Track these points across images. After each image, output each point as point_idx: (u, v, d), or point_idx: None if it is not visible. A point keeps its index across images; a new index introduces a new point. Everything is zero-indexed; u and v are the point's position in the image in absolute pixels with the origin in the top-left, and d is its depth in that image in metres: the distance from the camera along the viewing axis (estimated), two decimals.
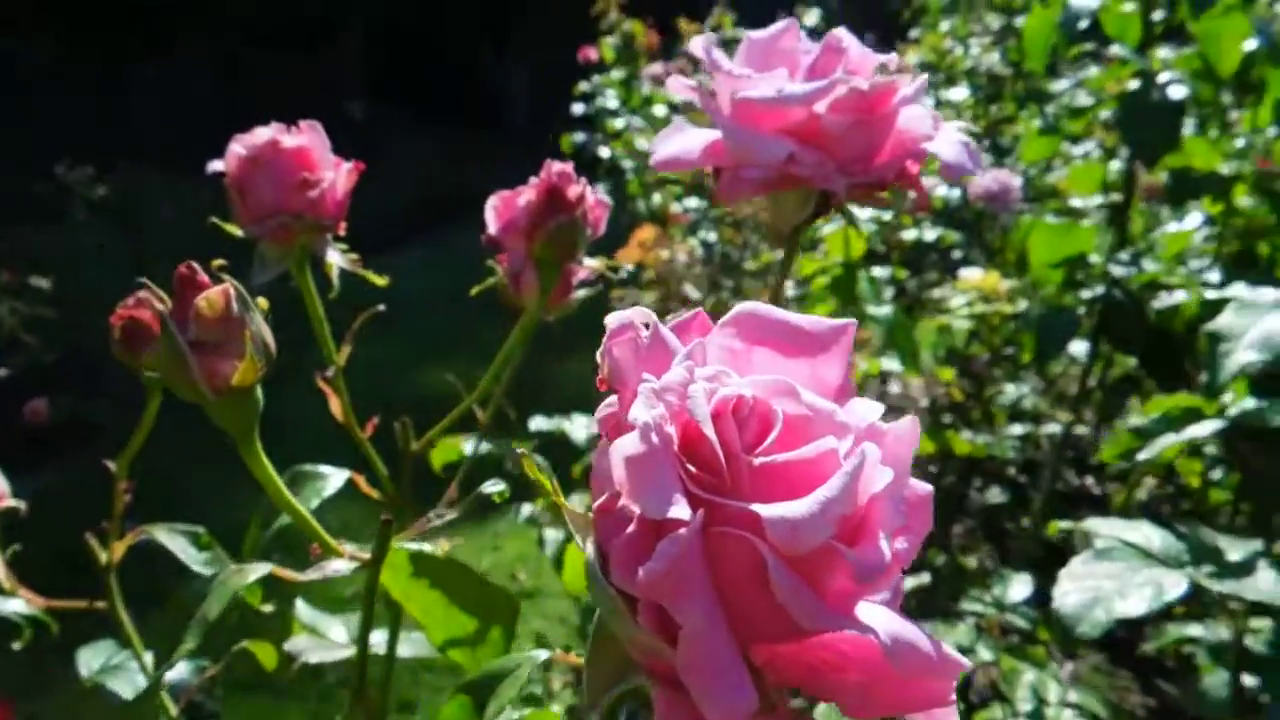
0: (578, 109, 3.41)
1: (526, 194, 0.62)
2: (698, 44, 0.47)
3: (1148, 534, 0.88)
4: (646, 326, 0.28)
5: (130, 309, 0.65)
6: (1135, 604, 0.79)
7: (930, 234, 2.69)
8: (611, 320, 0.27)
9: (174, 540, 0.72)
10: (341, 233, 0.57)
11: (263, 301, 0.40)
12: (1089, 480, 2.62)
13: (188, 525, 0.72)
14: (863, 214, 2.57)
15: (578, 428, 1.54)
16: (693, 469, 0.25)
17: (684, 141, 0.48)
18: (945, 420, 2.56)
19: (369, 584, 0.49)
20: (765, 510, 0.23)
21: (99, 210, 5.35)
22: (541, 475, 0.28)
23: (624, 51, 3.24)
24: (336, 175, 0.55)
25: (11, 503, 0.76)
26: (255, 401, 0.38)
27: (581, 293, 0.75)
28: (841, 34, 0.47)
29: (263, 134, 0.53)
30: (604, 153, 3.26)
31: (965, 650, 1.49)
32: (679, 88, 0.47)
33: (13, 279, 4.70)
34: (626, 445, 0.24)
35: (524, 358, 0.73)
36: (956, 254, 2.83)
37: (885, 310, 1.58)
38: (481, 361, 0.67)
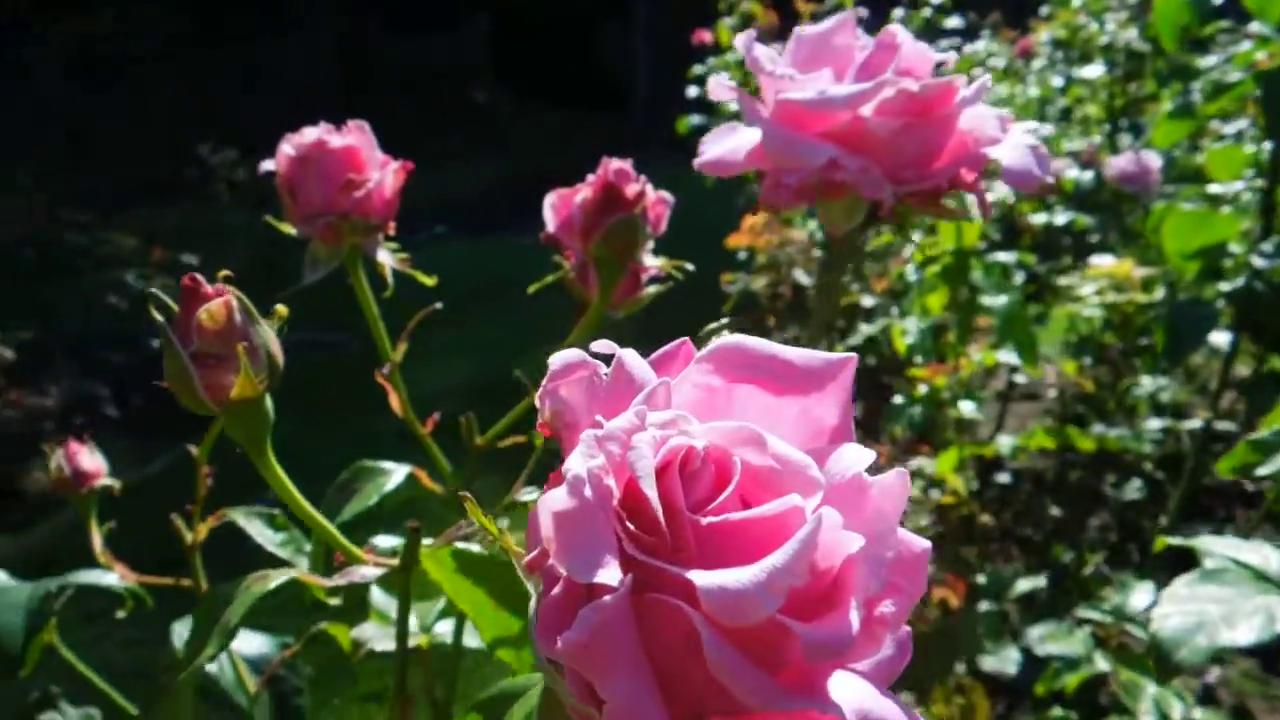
0: (693, 91, 3.37)
1: (583, 191, 0.61)
2: (739, 40, 0.44)
3: (1267, 555, 0.81)
4: (609, 362, 0.26)
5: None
6: (1244, 633, 0.72)
7: (1061, 218, 2.57)
8: (557, 359, 0.25)
9: (251, 523, 0.73)
10: (391, 231, 0.57)
11: (282, 309, 0.39)
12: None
13: (265, 508, 0.74)
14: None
15: None
16: (632, 527, 0.23)
17: (732, 143, 0.46)
18: (1075, 412, 2.44)
19: (401, 588, 0.48)
20: (701, 578, 0.21)
21: (241, 191, 5.60)
22: (486, 519, 0.27)
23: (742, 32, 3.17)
24: (383, 175, 0.54)
25: (107, 481, 0.80)
26: (263, 414, 0.37)
27: (652, 289, 0.73)
28: (895, 30, 0.43)
29: (311, 134, 0.54)
30: None
31: (1080, 660, 1.42)
32: (718, 89, 0.44)
33: (164, 255, 4.98)
34: (555, 499, 0.22)
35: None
36: (1095, 237, 2.69)
37: (1001, 300, 1.50)
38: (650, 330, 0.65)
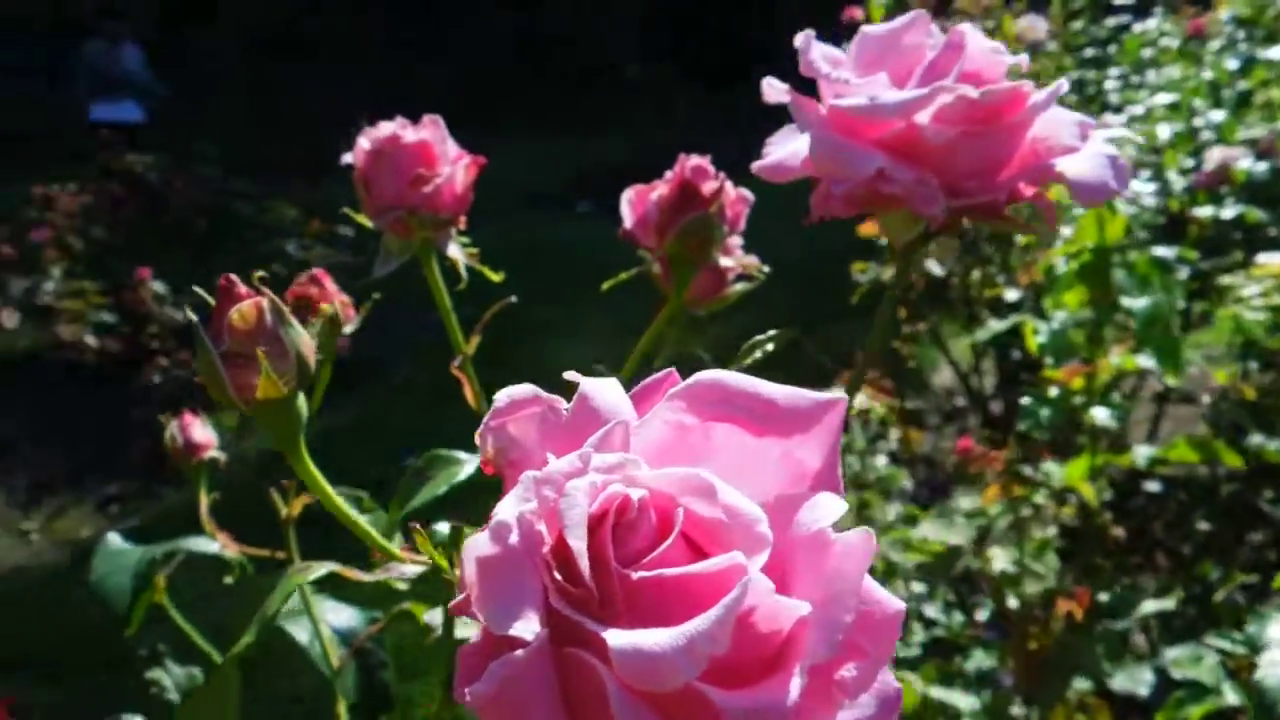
0: None
1: (660, 188, 0.60)
2: (798, 39, 0.42)
3: None
4: (569, 398, 0.25)
5: (302, 285, 0.69)
6: None
7: (1230, 211, 2.39)
8: (504, 395, 0.25)
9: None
10: (462, 225, 0.57)
11: (326, 308, 0.40)
12: None
13: (350, 489, 0.76)
14: (1145, 187, 2.32)
15: None
16: (559, 578, 0.22)
17: (791, 147, 0.44)
18: (1233, 420, 2.28)
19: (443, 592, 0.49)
20: (615, 639, 0.20)
21: None
22: (436, 552, 0.26)
23: (895, 10, 3.07)
24: (453, 171, 0.55)
25: (215, 453, 0.84)
26: (295, 413, 0.38)
27: (739, 287, 0.72)
28: (965, 30, 0.40)
29: (386, 129, 0.54)
30: None
31: (1208, 690, 1.33)
32: (771, 91, 0.43)
33: (322, 228, 5.21)
34: (478, 545, 0.22)
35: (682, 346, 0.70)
36: (1272, 232, 2.50)
37: (1141, 303, 1.41)
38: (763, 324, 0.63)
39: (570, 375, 0.25)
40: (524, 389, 0.25)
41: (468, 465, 0.66)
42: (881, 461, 2.28)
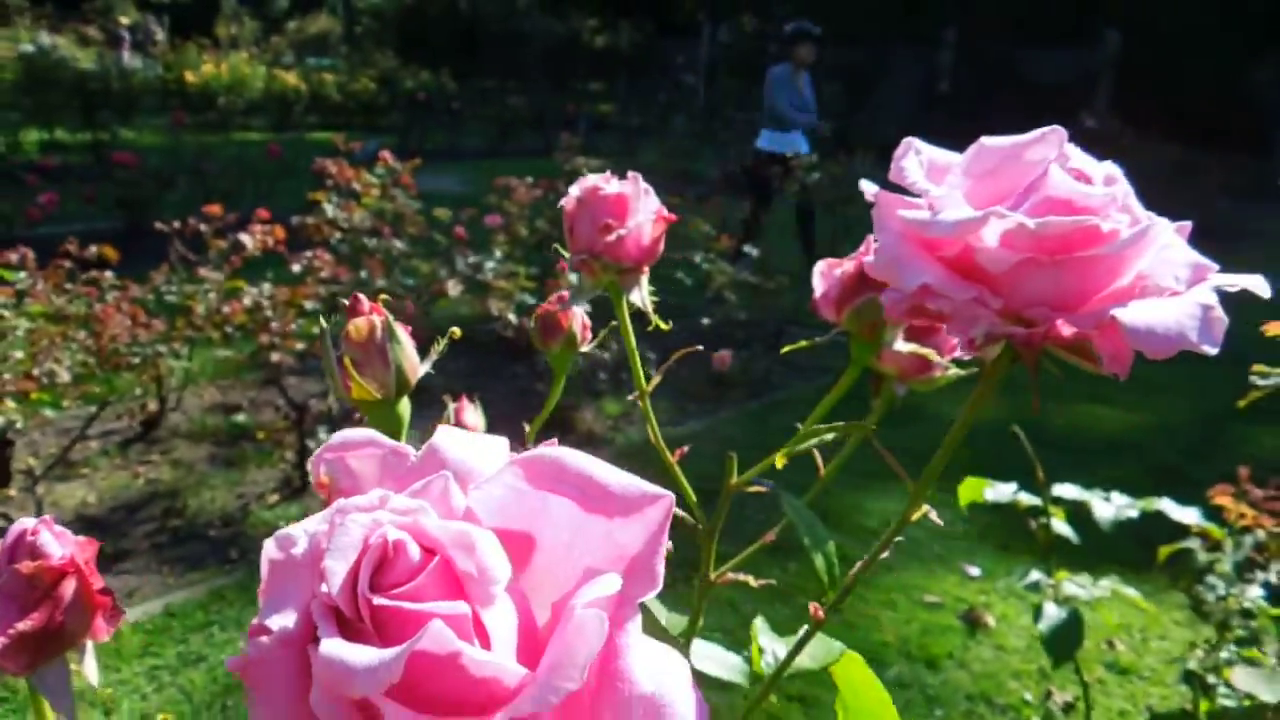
0: None
1: (845, 265, 0.60)
2: (900, 147, 0.42)
3: None
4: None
5: (550, 306, 0.78)
6: None
7: None
8: (338, 436, 0.29)
9: None
10: (641, 274, 0.62)
11: (456, 331, 0.47)
12: None
13: None
14: None
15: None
16: (322, 590, 0.26)
17: None
18: None
19: None
20: (326, 646, 0.24)
21: (813, 191, 5.95)
22: None
23: None
24: (640, 224, 0.60)
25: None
26: (395, 415, 0.46)
27: (952, 373, 0.70)
28: (1068, 151, 0.38)
29: (591, 180, 0.61)
30: None
31: None
32: (867, 190, 0.43)
33: (730, 244, 5.46)
34: (268, 548, 0.27)
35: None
36: None
37: None
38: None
39: (357, 432, 0.30)
40: (361, 433, 0.30)
41: None
42: (1255, 594, 2.00)
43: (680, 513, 0.70)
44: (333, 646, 0.25)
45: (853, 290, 0.60)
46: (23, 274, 3.35)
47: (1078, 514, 1.47)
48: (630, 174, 0.61)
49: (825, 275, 0.63)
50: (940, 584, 3.29)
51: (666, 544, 0.29)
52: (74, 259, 3.48)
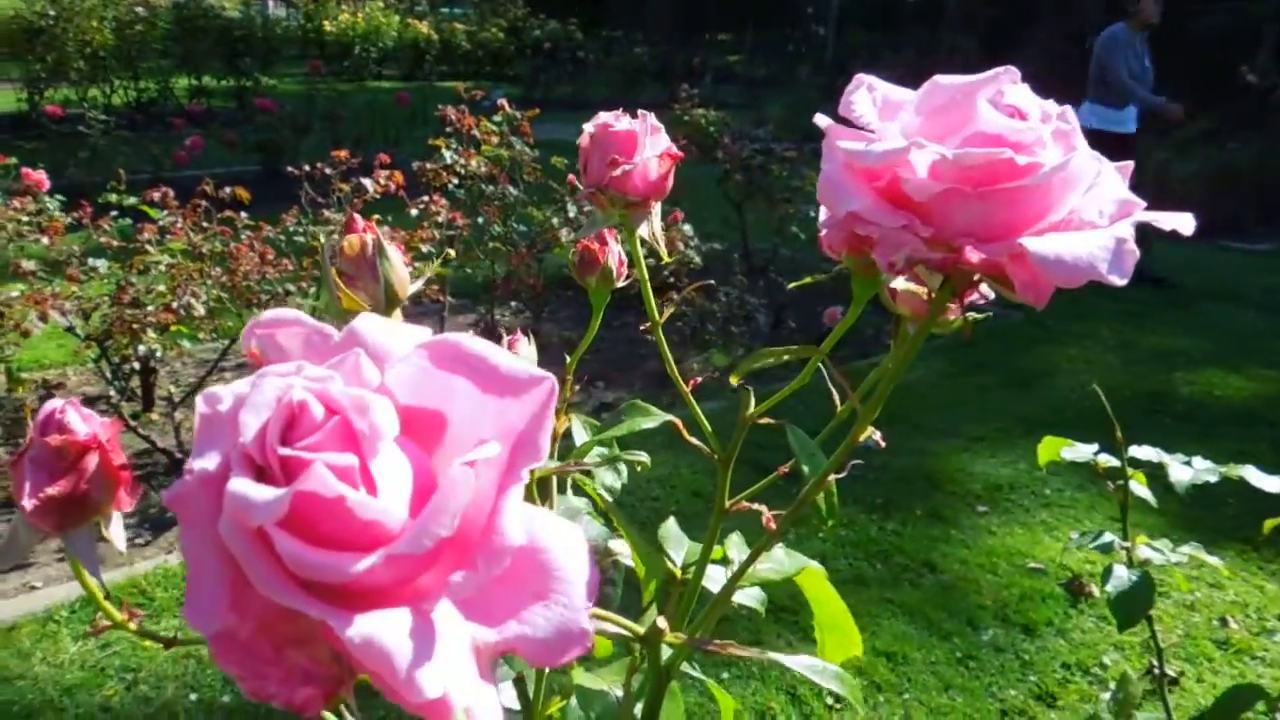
0: None
1: None
2: (853, 84, 0.44)
3: None
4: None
5: (588, 242, 0.82)
6: None
7: None
8: (269, 314, 0.33)
9: (577, 426, 0.88)
10: (650, 209, 0.65)
11: (450, 252, 0.51)
12: None
13: (589, 418, 0.88)
14: None
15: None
16: (240, 441, 0.31)
17: None
18: None
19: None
20: (233, 484, 0.29)
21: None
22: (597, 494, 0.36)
23: None
24: (647, 161, 0.63)
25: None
26: None
27: (970, 316, 0.71)
28: (1005, 89, 0.40)
29: (603, 118, 0.64)
30: None
31: None
32: (821, 121, 0.45)
33: None
34: (199, 403, 0.31)
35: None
36: None
37: None
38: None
39: (285, 311, 0.34)
40: (289, 313, 0.34)
41: (655, 420, 0.74)
42: None
43: (697, 443, 0.74)
44: (237, 485, 0.29)
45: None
46: (164, 212, 3.57)
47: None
48: (640, 112, 0.64)
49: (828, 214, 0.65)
50: (1045, 551, 3.24)
51: (550, 422, 0.32)
52: (210, 199, 3.67)
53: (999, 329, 5.29)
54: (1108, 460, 1.47)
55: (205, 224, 3.64)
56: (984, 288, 0.70)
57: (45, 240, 3.38)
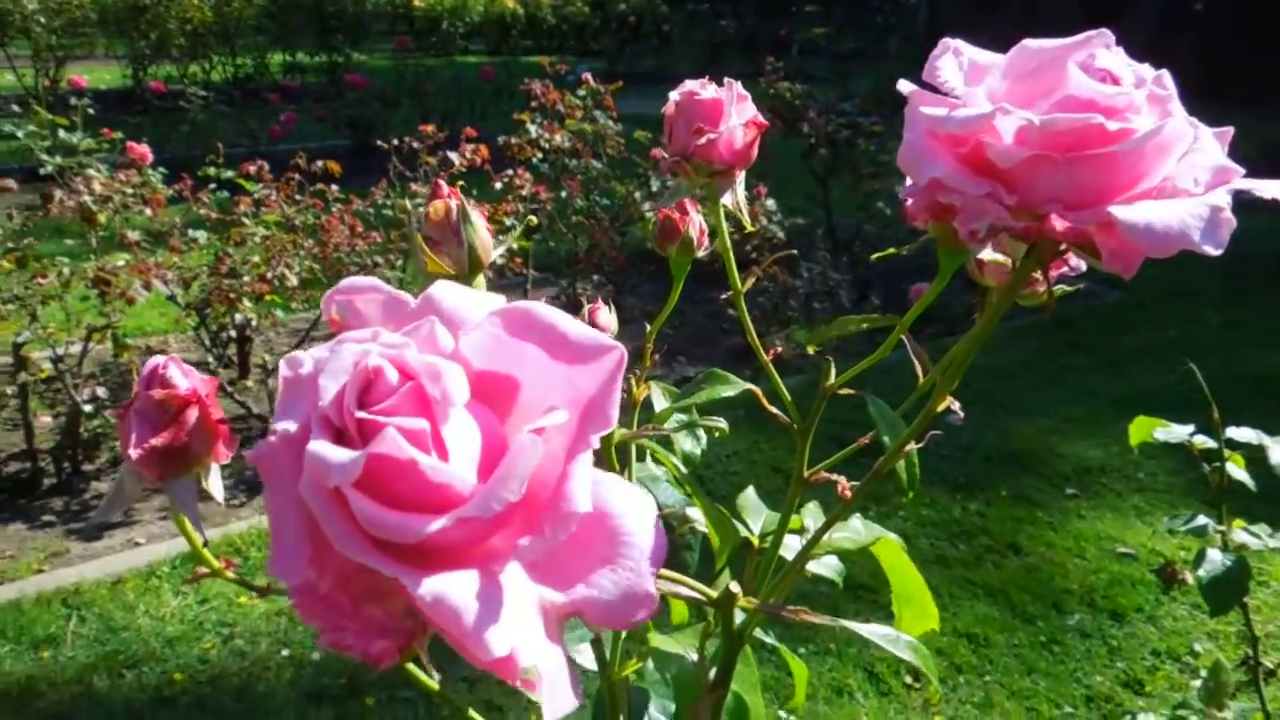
0: None
1: None
2: (939, 49, 0.43)
3: None
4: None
5: (669, 211, 0.82)
6: None
7: None
8: (346, 282, 0.34)
9: (656, 394, 0.88)
10: (735, 178, 0.64)
11: (532, 220, 0.52)
12: None
13: (669, 385, 0.88)
14: None
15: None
16: (319, 404, 0.32)
17: None
18: None
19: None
20: (313, 445, 0.30)
21: None
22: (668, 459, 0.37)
23: None
24: (732, 129, 0.62)
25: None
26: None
27: (1059, 289, 0.69)
28: (1098, 53, 0.38)
29: (688, 86, 0.64)
30: None
31: None
32: (906, 88, 0.44)
33: None
34: (282, 368, 0.32)
35: None
36: None
37: None
38: None
39: (363, 279, 0.34)
40: (366, 281, 0.35)
41: (733, 388, 0.74)
42: None
43: (776, 412, 0.74)
44: (316, 446, 0.30)
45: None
46: (259, 185, 3.67)
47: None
48: (726, 81, 0.64)
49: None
50: (1137, 536, 3.15)
51: (619, 391, 0.33)
52: (302, 172, 3.77)
53: (1094, 309, 5.14)
54: (1204, 441, 1.42)
55: (298, 197, 3.73)
56: (1074, 260, 0.69)
57: (148, 212, 3.50)
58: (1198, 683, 1.62)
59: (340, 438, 0.31)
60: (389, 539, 0.30)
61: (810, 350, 0.60)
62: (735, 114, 0.64)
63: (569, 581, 0.32)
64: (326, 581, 0.31)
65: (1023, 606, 2.75)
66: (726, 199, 0.66)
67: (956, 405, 0.49)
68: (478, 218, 0.52)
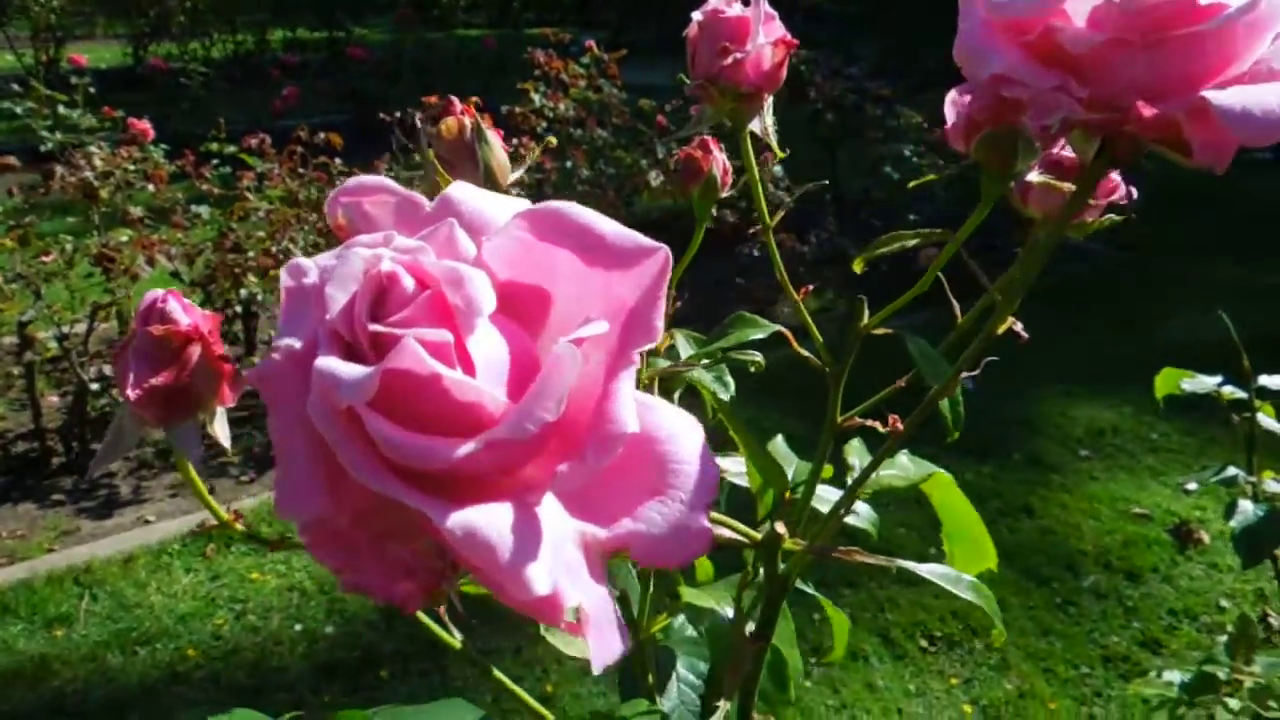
0: None
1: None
2: None
3: None
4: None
5: (691, 150, 0.78)
6: None
7: None
8: (353, 181, 0.30)
9: (681, 342, 0.84)
10: (763, 103, 0.61)
11: (551, 140, 0.48)
12: None
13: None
14: None
15: None
16: (326, 316, 0.28)
17: None
18: None
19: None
20: (321, 361, 0.26)
21: None
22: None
23: None
24: (760, 48, 0.58)
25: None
26: None
27: (1107, 218, 0.65)
28: None
29: (713, 3, 0.60)
30: None
31: None
32: None
33: (938, 138, 5.18)
34: (283, 277, 0.29)
35: None
36: None
37: None
38: None
39: (371, 178, 0.31)
40: (375, 179, 0.31)
41: (761, 331, 0.71)
42: None
43: (809, 355, 0.70)
44: (325, 362, 0.27)
45: (984, 120, 0.56)
46: (262, 160, 3.63)
47: None
48: None
49: (956, 104, 0.60)
50: (1151, 497, 3.11)
51: (664, 300, 0.29)
52: (304, 144, 3.72)
53: (1103, 269, 5.08)
54: (1233, 392, 1.38)
55: (301, 170, 3.69)
56: (1120, 188, 0.65)
57: (151, 187, 3.47)
58: (1222, 639, 1.59)
59: (351, 353, 0.28)
60: (411, 465, 0.27)
61: (857, 269, 0.57)
62: (763, 33, 0.60)
63: (613, 515, 0.28)
64: (344, 517, 0.27)
65: (1037, 568, 2.72)
66: (755, 124, 0.62)
67: (1019, 326, 0.46)
68: (494, 137, 0.48)
